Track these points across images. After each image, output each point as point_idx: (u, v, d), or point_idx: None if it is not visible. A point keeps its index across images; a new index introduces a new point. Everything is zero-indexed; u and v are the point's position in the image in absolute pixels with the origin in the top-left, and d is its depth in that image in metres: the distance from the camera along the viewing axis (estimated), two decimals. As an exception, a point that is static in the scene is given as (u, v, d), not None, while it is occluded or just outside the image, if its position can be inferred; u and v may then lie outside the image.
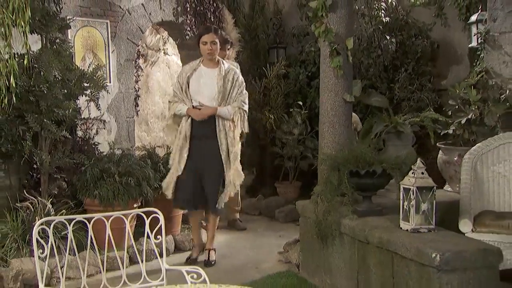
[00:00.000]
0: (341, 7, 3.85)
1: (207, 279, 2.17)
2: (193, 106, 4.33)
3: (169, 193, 4.44)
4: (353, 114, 5.80)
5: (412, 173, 3.19)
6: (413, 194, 3.14)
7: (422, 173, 3.18)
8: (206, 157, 4.34)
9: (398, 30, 6.48)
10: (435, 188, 3.16)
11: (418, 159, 3.23)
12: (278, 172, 6.67)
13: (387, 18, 6.44)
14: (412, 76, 6.35)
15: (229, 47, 5.28)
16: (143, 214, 2.54)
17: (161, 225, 2.49)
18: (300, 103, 6.43)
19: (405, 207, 3.21)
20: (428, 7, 6.49)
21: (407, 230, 3.17)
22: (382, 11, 6.43)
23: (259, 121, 6.54)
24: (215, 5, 6.36)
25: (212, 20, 6.29)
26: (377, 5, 6.40)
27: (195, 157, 4.35)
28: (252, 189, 6.55)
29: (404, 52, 6.44)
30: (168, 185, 4.44)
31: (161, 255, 2.58)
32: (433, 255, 2.78)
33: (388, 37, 6.36)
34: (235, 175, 4.42)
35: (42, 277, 2.12)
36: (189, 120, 4.33)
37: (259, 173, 6.69)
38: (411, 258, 2.93)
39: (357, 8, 6.50)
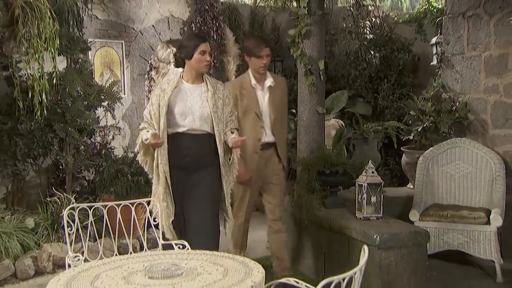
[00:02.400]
0: (314, 35, 4.54)
1: (189, 248, 2.94)
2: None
3: (170, 237, 3.47)
4: (339, 121, 6.54)
5: (365, 172, 3.92)
6: (365, 189, 3.86)
7: (373, 172, 3.90)
8: (201, 188, 3.48)
9: (382, 45, 7.17)
10: (382, 184, 3.89)
11: (369, 161, 3.95)
12: (275, 172, 7.35)
13: (371, 35, 7.15)
14: (394, 87, 7.03)
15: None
16: (144, 203, 3.29)
17: (157, 211, 3.24)
18: (294, 111, 7.10)
19: (359, 200, 3.93)
20: (409, 24, 7.23)
21: (360, 218, 3.90)
22: (367, 29, 7.13)
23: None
24: (217, 24, 7.03)
25: (215, 37, 6.99)
26: (362, 23, 7.11)
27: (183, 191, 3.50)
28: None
29: (388, 65, 7.11)
30: (166, 230, 3.49)
31: (158, 236, 3.26)
32: (374, 236, 3.51)
33: (372, 52, 7.06)
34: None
35: (70, 247, 2.91)
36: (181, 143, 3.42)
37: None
38: (361, 240, 3.64)
39: (345, 26, 7.23)
